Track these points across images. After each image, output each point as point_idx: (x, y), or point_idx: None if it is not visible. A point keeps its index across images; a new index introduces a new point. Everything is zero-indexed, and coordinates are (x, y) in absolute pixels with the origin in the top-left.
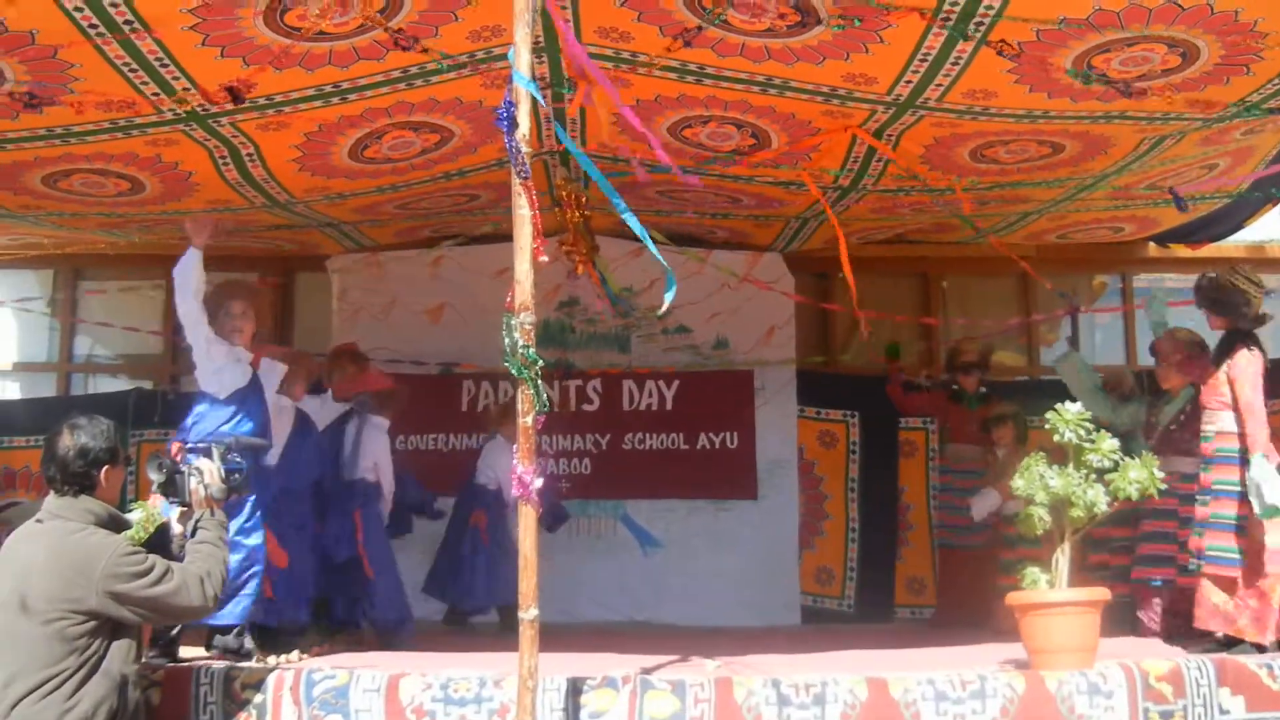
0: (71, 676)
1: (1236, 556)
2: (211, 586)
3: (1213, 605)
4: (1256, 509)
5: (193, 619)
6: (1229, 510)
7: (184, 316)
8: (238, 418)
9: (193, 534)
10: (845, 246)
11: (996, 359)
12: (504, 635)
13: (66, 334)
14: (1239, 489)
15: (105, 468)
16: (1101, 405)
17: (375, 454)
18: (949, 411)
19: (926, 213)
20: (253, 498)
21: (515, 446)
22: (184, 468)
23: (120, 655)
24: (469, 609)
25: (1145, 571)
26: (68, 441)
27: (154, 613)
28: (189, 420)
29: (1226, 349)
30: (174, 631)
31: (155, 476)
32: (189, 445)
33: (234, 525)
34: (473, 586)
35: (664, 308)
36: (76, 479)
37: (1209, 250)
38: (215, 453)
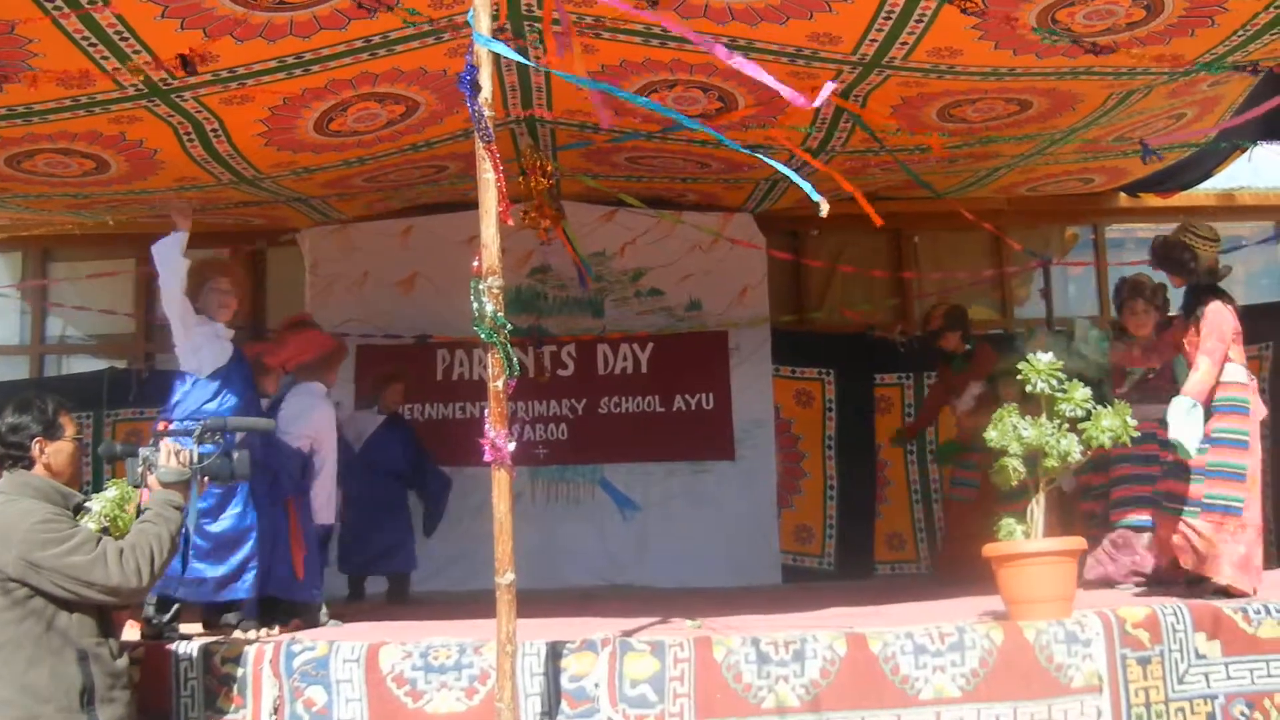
0: (19, 648)
1: (1239, 504)
2: (134, 560)
3: (1193, 548)
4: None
5: (123, 596)
6: (1233, 458)
7: (167, 295)
8: (220, 395)
9: (139, 514)
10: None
11: (972, 314)
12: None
13: (38, 316)
14: (1245, 438)
15: (38, 440)
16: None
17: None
18: (944, 375)
19: (896, 171)
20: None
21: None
22: (141, 450)
23: (74, 628)
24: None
25: (1125, 513)
26: (3, 418)
27: (73, 583)
28: (172, 399)
29: (1194, 303)
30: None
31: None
32: (173, 427)
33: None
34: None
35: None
36: (10, 452)
37: (1180, 199)
38: (191, 435)
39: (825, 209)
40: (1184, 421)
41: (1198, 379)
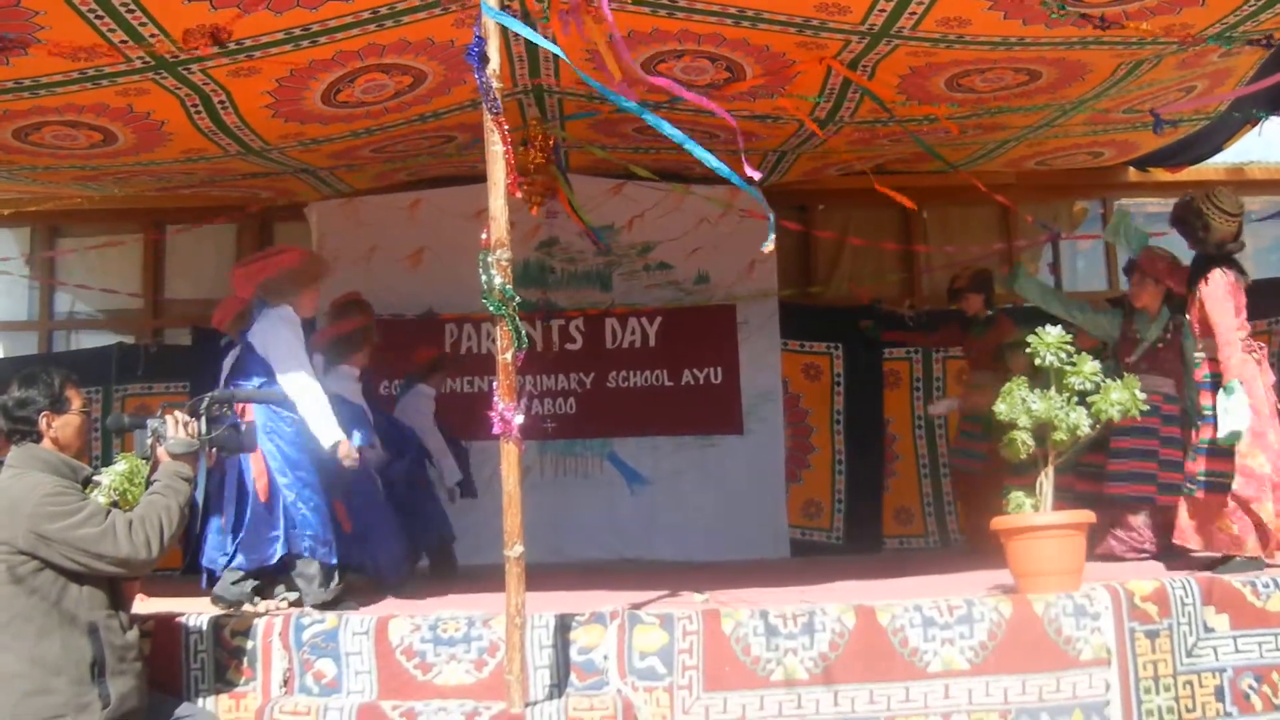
0: (29, 620)
1: (1228, 480)
2: (144, 532)
3: (1191, 525)
4: (1219, 435)
5: (132, 568)
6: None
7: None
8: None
9: (147, 485)
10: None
11: None
12: (439, 580)
13: (46, 291)
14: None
15: (45, 414)
16: (1072, 310)
17: None
18: (962, 340)
19: (905, 143)
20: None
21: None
22: (149, 422)
23: (84, 601)
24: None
25: (1124, 488)
26: (10, 392)
27: (83, 555)
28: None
29: (1197, 272)
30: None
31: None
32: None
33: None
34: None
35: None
36: (18, 427)
37: (1189, 173)
38: (201, 405)
39: (770, 247)
40: (1238, 408)
41: (1232, 359)
